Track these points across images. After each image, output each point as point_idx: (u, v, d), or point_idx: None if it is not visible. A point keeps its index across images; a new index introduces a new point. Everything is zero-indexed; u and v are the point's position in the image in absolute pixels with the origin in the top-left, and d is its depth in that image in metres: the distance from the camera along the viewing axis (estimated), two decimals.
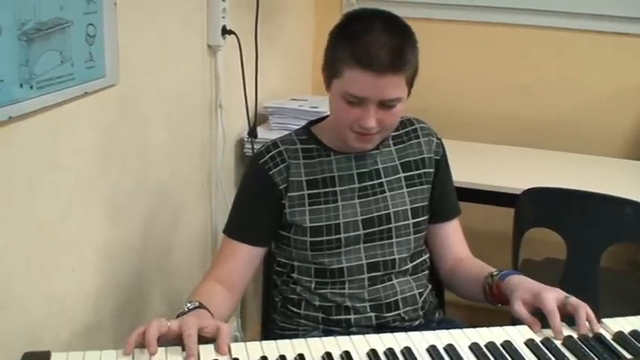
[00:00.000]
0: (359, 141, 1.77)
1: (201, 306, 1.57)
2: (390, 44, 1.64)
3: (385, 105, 1.69)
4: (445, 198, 1.99)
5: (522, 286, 1.67)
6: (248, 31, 2.79)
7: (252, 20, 2.82)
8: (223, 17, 2.58)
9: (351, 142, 1.78)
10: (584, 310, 1.56)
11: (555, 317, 1.55)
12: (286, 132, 1.96)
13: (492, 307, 1.79)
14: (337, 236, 1.83)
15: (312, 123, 1.95)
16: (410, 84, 1.72)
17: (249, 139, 2.89)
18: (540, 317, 1.59)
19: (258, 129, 2.93)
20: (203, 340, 1.43)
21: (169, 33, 2.30)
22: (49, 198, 1.76)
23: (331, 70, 1.73)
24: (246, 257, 1.84)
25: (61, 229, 1.83)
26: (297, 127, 1.98)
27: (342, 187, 1.85)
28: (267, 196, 1.83)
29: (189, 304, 1.57)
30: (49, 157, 1.74)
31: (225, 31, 2.59)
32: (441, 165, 1.97)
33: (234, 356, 1.39)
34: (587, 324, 1.55)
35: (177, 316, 1.53)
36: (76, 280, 1.93)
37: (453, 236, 2.01)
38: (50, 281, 1.81)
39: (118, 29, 1.94)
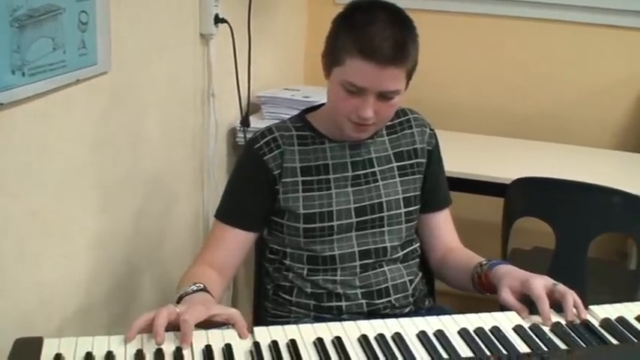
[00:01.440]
0: (355, 130, 1.78)
1: (205, 289, 1.59)
2: (394, 37, 1.65)
3: (384, 96, 1.71)
4: (437, 188, 2.00)
5: (510, 274, 1.69)
6: (241, 20, 2.80)
7: (244, 9, 2.82)
8: (216, 6, 2.58)
9: (347, 131, 1.79)
10: (571, 296, 1.58)
11: (544, 303, 1.57)
12: (279, 121, 1.97)
13: (482, 295, 1.81)
14: (330, 223, 1.84)
15: (306, 111, 1.96)
16: (409, 77, 1.74)
17: (242, 128, 2.89)
18: (528, 305, 1.61)
19: (251, 118, 2.93)
20: (205, 324, 1.45)
21: (162, 21, 2.30)
22: (40, 185, 1.77)
23: (333, 57, 1.73)
24: (237, 242, 1.85)
25: (52, 216, 1.83)
26: (290, 116, 1.99)
27: (336, 175, 1.86)
28: (260, 182, 1.84)
29: (193, 286, 1.58)
30: (40, 144, 1.75)
31: (217, 20, 2.59)
32: (434, 155, 1.98)
33: (226, 342, 1.40)
34: (574, 310, 1.57)
35: (181, 298, 1.56)
36: (68, 268, 1.93)
37: (443, 226, 2.02)
38: (42, 268, 1.82)
39: (110, 16, 1.94)
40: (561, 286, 1.61)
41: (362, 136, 1.82)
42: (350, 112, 1.73)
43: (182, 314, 1.40)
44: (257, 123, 2.88)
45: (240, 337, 1.44)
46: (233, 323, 1.46)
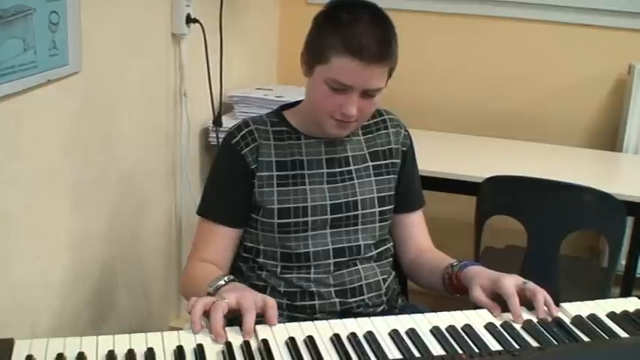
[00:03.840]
0: (337, 127, 1.79)
1: (235, 279, 1.63)
2: (378, 35, 1.68)
3: (367, 94, 1.73)
4: (410, 189, 2.01)
5: (480, 274, 1.71)
6: (212, 20, 2.79)
7: (216, 9, 2.82)
8: (187, 6, 2.58)
9: (328, 129, 1.80)
10: (541, 294, 1.60)
11: (514, 301, 1.58)
12: (255, 115, 1.97)
13: (453, 296, 1.82)
14: (304, 219, 1.84)
15: (283, 107, 1.96)
16: (389, 75, 1.76)
17: (214, 128, 2.89)
18: (500, 303, 1.62)
19: (223, 118, 2.94)
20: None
21: (133, 21, 2.29)
22: (12, 186, 1.76)
23: (316, 56, 1.74)
24: (227, 239, 1.87)
25: (24, 217, 1.83)
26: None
27: (311, 171, 1.86)
28: (240, 177, 1.84)
29: (225, 278, 1.61)
30: (12, 145, 1.74)
31: (189, 20, 2.59)
32: (408, 156, 1.99)
33: (198, 342, 1.40)
34: (545, 308, 1.59)
35: (209, 292, 1.57)
36: (41, 269, 1.93)
37: (416, 227, 2.03)
38: (14, 270, 1.81)
39: (81, 17, 1.93)
40: (531, 284, 1.63)
41: (342, 133, 1.83)
42: (333, 110, 1.74)
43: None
44: (229, 123, 2.86)
45: (268, 324, 1.48)
46: (266, 310, 1.50)
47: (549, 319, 1.57)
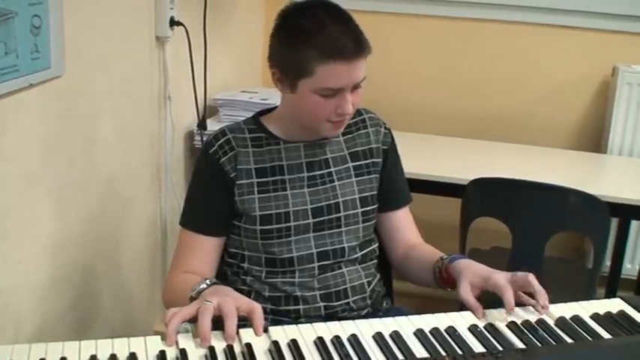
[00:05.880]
0: (334, 128, 1.80)
1: (217, 282, 1.62)
2: (349, 31, 1.70)
3: (354, 87, 1.74)
4: (395, 187, 2.01)
5: (469, 268, 1.71)
6: (196, 23, 2.79)
7: (200, 11, 2.81)
8: (171, 8, 2.57)
9: (325, 132, 1.81)
10: (532, 276, 1.64)
11: (509, 293, 1.60)
12: (232, 123, 1.96)
13: (441, 296, 1.82)
14: (287, 224, 1.84)
15: (260, 114, 1.96)
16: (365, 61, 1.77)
17: (199, 132, 2.89)
18: (484, 303, 1.63)
19: (208, 121, 2.93)
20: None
21: (117, 24, 2.28)
22: None
23: (296, 72, 1.72)
24: (209, 249, 1.86)
25: (5, 222, 1.81)
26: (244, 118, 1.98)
27: (291, 176, 1.86)
28: (220, 186, 1.84)
29: (207, 281, 1.61)
30: None
31: (173, 23, 2.58)
32: (390, 154, 1.99)
33: (181, 347, 1.39)
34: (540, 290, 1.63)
35: (192, 296, 1.58)
36: (22, 274, 1.91)
37: (404, 223, 2.03)
38: None
39: (64, 20, 1.93)
40: (520, 273, 1.65)
41: (339, 132, 1.85)
42: (330, 114, 1.75)
43: (227, 313, 1.45)
44: (214, 126, 2.87)
45: (255, 334, 1.46)
46: (252, 318, 1.49)
47: (541, 302, 1.60)
